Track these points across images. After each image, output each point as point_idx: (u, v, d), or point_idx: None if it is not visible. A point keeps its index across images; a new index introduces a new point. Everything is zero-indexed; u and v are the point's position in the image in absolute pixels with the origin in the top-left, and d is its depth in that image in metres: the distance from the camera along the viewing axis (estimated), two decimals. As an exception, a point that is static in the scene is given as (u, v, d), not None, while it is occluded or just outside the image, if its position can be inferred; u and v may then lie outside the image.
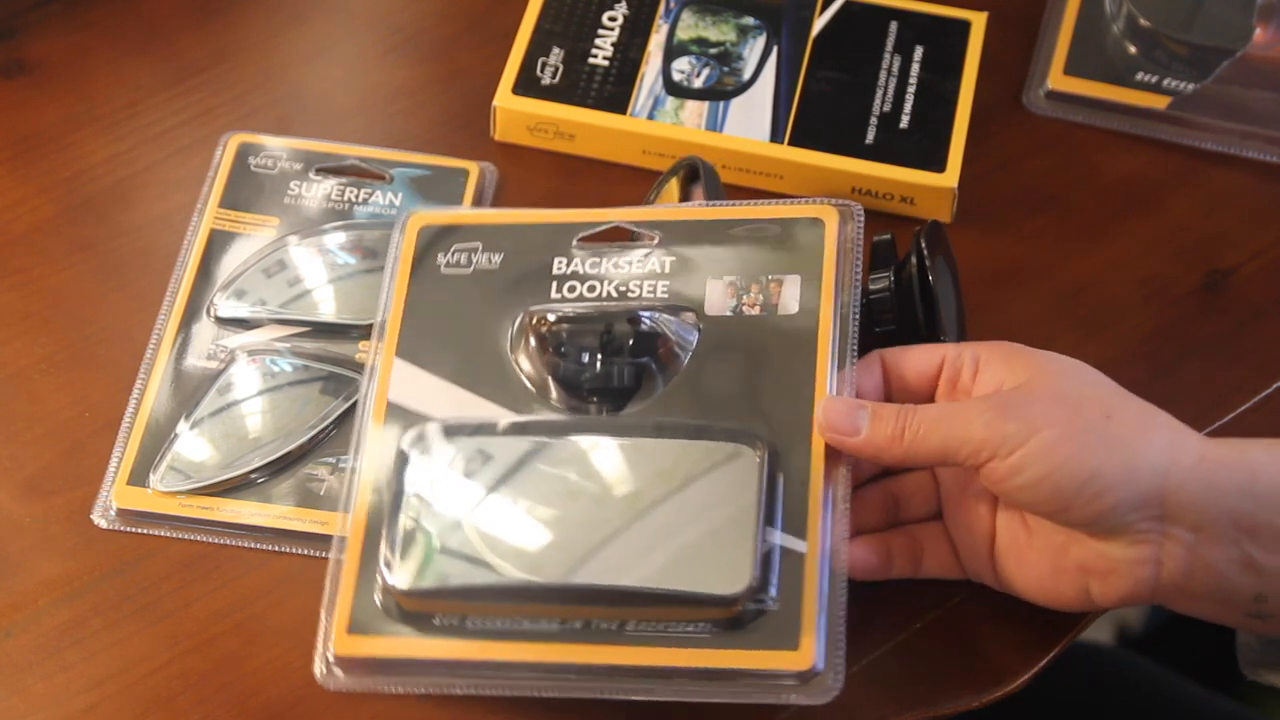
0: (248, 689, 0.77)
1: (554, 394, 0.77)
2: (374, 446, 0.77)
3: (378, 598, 0.73)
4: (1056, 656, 0.78)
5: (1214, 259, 0.91)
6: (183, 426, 0.82)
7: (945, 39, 0.96)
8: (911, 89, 0.94)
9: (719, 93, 0.93)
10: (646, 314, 0.78)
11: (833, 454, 0.74)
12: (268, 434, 0.82)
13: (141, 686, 0.77)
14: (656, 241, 0.80)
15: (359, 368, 0.84)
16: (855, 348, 0.77)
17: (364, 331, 0.85)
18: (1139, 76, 0.95)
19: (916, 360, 0.77)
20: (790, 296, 0.78)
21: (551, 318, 0.78)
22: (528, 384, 0.78)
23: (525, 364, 0.78)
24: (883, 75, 0.94)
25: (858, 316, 0.77)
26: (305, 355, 0.85)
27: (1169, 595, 0.74)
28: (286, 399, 0.83)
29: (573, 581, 0.72)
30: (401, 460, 0.76)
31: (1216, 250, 0.91)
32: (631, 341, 0.77)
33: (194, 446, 0.82)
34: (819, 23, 0.96)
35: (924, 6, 0.97)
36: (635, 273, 0.80)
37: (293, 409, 0.83)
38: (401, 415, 0.77)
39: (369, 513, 0.75)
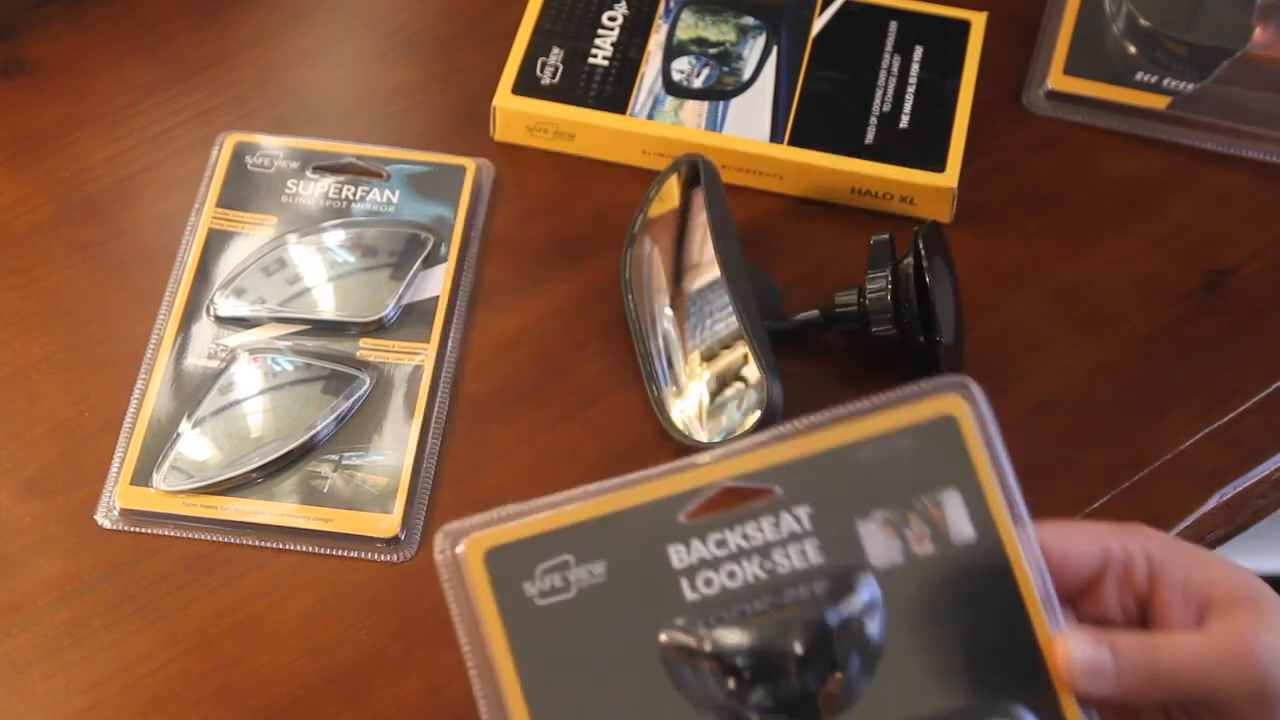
0: (248, 689, 0.77)
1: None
2: None
3: None
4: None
5: (1214, 259, 0.91)
6: (185, 426, 0.82)
7: (945, 39, 0.96)
8: (911, 89, 0.94)
9: (719, 93, 0.93)
10: (833, 612, 0.64)
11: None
12: (270, 432, 0.82)
13: (141, 686, 0.77)
14: (780, 495, 0.66)
15: (360, 365, 0.84)
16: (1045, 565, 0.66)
17: (364, 329, 0.85)
18: (1139, 76, 0.95)
19: (1077, 551, 0.68)
20: (958, 520, 0.66)
21: (708, 647, 0.64)
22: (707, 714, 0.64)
23: (696, 695, 0.64)
24: (882, 75, 0.94)
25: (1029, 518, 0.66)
26: (306, 353, 0.85)
27: None
28: (288, 397, 0.83)
29: None
30: None
31: (1216, 250, 0.91)
32: (826, 647, 0.64)
33: (197, 446, 0.82)
34: (819, 23, 0.96)
35: (924, 6, 0.97)
36: (772, 538, 0.65)
37: (294, 407, 0.83)
38: None
39: None
